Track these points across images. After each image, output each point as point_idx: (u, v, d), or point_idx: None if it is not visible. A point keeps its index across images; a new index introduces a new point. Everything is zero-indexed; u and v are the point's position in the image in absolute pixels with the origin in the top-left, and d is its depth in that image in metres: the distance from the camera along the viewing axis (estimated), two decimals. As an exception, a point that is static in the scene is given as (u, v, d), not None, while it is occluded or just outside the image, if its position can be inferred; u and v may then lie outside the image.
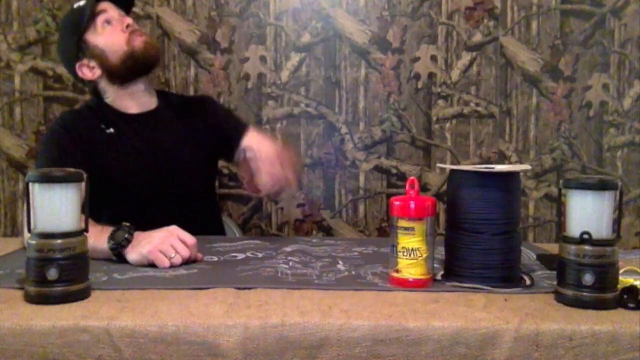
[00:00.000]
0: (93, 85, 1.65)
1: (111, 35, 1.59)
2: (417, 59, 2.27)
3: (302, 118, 2.28)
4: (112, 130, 1.61)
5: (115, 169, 1.57)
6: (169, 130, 1.67)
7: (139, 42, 1.59)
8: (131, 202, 1.57)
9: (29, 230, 1.00)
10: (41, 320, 0.89)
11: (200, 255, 1.27)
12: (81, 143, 1.55)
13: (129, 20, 1.61)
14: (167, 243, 1.22)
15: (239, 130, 1.69)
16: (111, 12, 1.61)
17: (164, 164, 1.63)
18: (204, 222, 1.67)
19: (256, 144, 1.55)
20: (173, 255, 1.21)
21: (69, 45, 1.62)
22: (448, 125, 2.29)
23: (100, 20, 1.59)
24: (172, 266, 1.20)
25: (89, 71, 1.62)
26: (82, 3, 1.61)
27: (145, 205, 1.58)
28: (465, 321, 0.90)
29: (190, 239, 1.24)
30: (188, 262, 1.23)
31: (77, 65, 1.62)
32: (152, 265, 1.20)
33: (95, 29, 1.59)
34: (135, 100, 1.65)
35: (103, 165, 1.55)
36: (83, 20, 1.58)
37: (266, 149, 1.53)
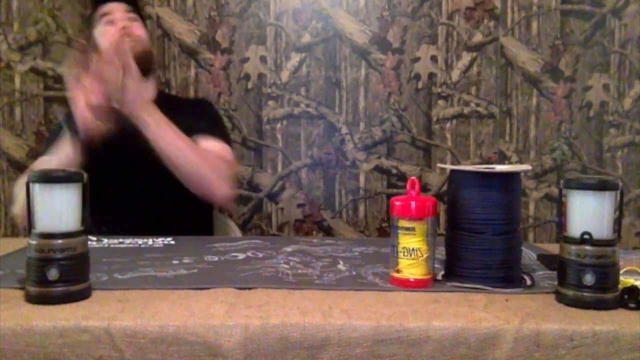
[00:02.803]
0: None
1: (105, 35, 1.64)
2: (417, 59, 2.27)
3: (302, 118, 2.28)
4: None
5: (105, 167, 1.57)
6: None
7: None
8: (121, 200, 1.59)
9: (29, 231, 1.00)
10: (41, 320, 0.89)
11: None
12: None
13: (124, 23, 1.65)
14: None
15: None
16: (116, 13, 1.66)
17: (154, 165, 1.62)
18: (194, 221, 1.69)
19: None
20: None
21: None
22: (448, 125, 2.29)
23: (103, 21, 1.67)
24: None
25: None
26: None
27: (135, 203, 1.59)
28: (465, 321, 0.90)
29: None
30: None
31: None
32: (153, 264, 1.20)
33: (99, 28, 1.66)
34: None
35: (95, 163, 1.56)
36: (92, 21, 1.68)
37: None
